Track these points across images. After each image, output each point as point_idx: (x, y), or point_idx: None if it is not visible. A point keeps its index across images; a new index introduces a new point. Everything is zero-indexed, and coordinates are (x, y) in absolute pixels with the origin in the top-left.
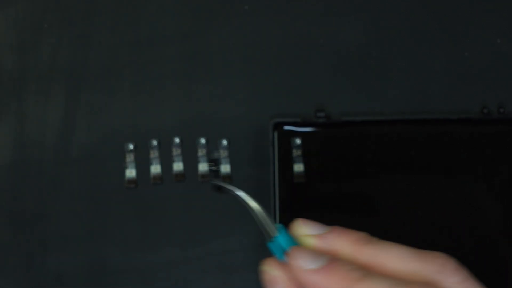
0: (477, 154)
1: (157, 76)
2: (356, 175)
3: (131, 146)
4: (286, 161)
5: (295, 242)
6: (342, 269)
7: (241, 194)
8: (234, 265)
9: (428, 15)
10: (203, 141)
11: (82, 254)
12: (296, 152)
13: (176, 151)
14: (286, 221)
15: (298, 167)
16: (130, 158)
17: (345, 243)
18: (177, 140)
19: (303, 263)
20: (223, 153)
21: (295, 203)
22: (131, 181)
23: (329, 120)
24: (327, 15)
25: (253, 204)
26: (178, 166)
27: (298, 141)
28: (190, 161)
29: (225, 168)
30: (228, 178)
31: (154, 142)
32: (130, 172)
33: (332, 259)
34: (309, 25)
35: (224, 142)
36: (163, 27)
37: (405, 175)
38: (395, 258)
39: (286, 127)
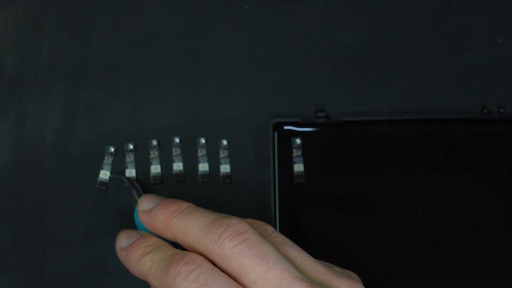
0: (477, 154)
1: (157, 75)
2: (356, 175)
3: (131, 146)
4: (286, 161)
5: None
6: (138, 246)
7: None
8: None
9: (428, 15)
10: (203, 141)
11: (82, 254)
12: (296, 152)
13: (176, 151)
14: (285, 221)
15: (298, 167)
16: (130, 158)
17: (161, 217)
18: (177, 140)
19: (118, 243)
20: (223, 153)
21: (295, 203)
22: None
23: (329, 120)
24: (327, 15)
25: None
26: (178, 166)
27: (298, 141)
28: (190, 161)
29: (225, 168)
30: (227, 178)
31: (154, 142)
32: (130, 172)
33: (139, 237)
34: (309, 25)
35: (224, 142)
36: (163, 27)
37: (405, 175)
38: (189, 229)
39: (286, 127)
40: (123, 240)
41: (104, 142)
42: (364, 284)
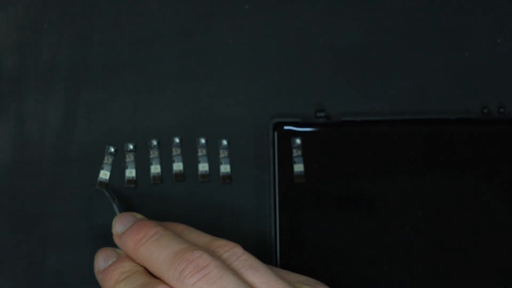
0: (477, 154)
1: (157, 75)
2: (356, 175)
3: (131, 146)
4: (286, 161)
5: None
6: (113, 271)
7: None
8: None
9: (428, 15)
10: (203, 141)
11: (82, 254)
12: (296, 152)
13: (176, 151)
14: (285, 221)
15: (298, 167)
16: (130, 158)
17: (130, 244)
18: (177, 140)
19: (96, 264)
20: (223, 153)
21: (295, 203)
22: (130, 181)
23: (329, 120)
24: (327, 15)
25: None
26: (178, 166)
27: (298, 141)
28: (190, 161)
29: (225, 168)
30: (227, 178)
31: (154, 142)
32: (130, 172)
33: (116, 261)
34: (309, 24)
35: (224, 142)
36: (163, 27)
37: (405, 175)
38: (154, 260)
39: (286, 127)
40: (100, 261)
41: (104, 142)
42: (364, 284)
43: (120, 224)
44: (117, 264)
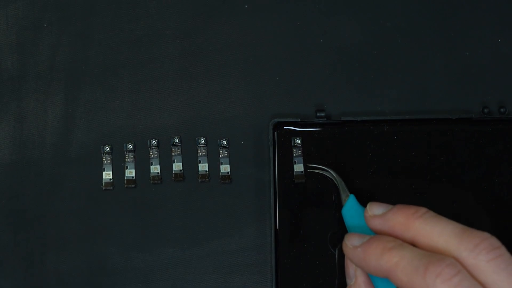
0: (477, 154)
1: (157, 75)
2: (356, 175)
3: (130, 146)
4: (286, 161)
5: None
6: (378, 242)
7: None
8: (233, 265)
9: (428, 15)
10: (202, 141)
11: (82, 254)
12: (296, 152)
13: (175, 151)
14: (285, 221)
15: (298, 167)
16: (129, 158)
17: (399, 218)
18: (176, 139)
19: (349, 242)
20: (223, 153)
21: (295, 203)
22: (130, 181)
23: (329, 120)
24: (327, 15)
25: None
26: (178, 166)
27: (298, 141)
28: (190, 161)
29: (224, 168)
30: (227, 178)
31: (154, 142)
32: (130, 172)
33: (375, 236)
34: (309, 24)
35: (224, 142)
36: (163, 26)
37: (405, 175)
38: (436, 233)
39: (286, 127)
40: (355, 239)
41: (104, 142)
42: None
43: (378, 207)
44: (379, 237)
